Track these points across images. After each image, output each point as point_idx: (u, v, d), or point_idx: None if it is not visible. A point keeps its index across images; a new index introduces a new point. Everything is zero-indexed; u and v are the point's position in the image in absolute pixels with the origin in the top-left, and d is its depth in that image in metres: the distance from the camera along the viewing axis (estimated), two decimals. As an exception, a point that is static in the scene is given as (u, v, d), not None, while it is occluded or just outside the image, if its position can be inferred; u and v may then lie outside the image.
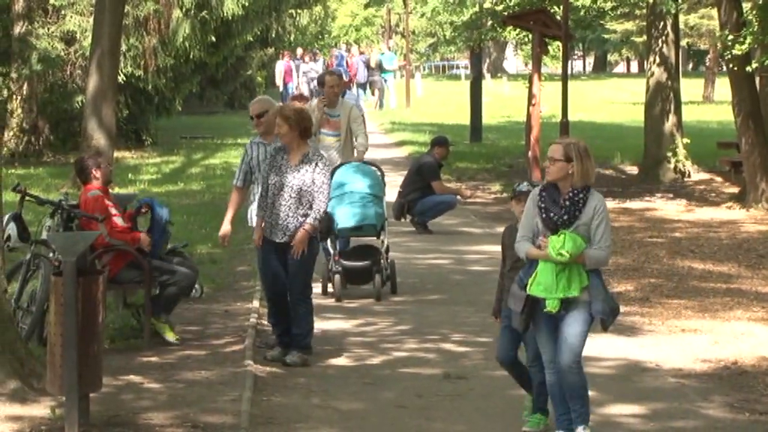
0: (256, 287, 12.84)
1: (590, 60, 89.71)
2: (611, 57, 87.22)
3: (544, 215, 7.75)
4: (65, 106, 26.72)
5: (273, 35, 42.98)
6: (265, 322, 11.28)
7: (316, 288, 11.89)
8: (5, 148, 25.39)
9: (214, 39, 28.97)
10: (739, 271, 14.66)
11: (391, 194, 16.27)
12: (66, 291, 7.79)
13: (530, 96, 21.95)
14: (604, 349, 10.47)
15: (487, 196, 22.26)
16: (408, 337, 11.29)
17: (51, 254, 10.47)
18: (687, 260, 15.39)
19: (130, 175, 23.49)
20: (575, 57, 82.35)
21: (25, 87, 26.38)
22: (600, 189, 21.31)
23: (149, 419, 8.41)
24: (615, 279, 13.96)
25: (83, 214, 10.64)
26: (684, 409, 8.96)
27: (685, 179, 23.45)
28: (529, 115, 21.98)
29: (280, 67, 44.86)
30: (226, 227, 11.16)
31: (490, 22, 28.26)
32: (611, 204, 20.50)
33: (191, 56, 28.39)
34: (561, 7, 22.23)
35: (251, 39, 35.41)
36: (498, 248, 8.60)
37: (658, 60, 23.35)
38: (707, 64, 52.03)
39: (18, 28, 25.80)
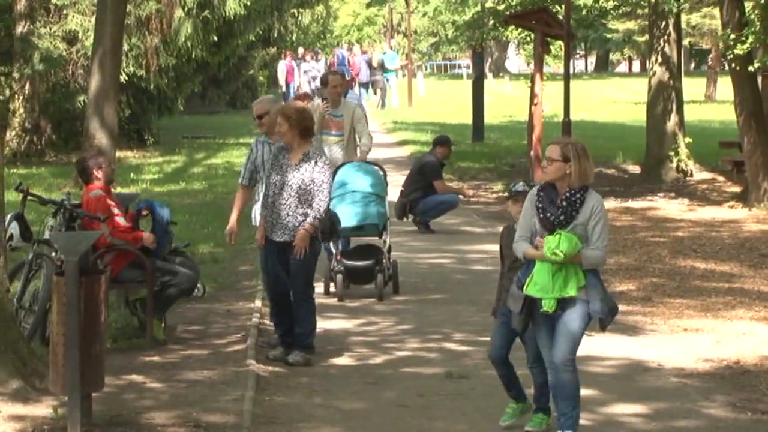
0: (258, 287, 12.85)
1: (592, 59, 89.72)
2: (613, 56, 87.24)
3: (541, 215, 7.75)
4: (67, 105, 26.70)
5: (275, 35, 42.94)
6: (268, 322, 11.30)
7: (318, 287, 11.89)
8: (7, 148, 25.36)
9: (216, 38, 28.93)
10: (741, 271, 14.65)
11: (393, 194, 16.26)
12: (68, 291, 7.79)
13: (532, 95, 21.93)
14: (606, 348, 10.48)
15: (489, 196, 22.24)
16: (410, 336, 11.29)
17: (53, 254, 10.47)
18: (689, 260, 15.38)
19: (132, 174, 23.48)
20: (577, 56, 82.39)
21: (27, 87, 26.38)
22: (602, 188, 21.30)
23: (151, 419, 8.41)
24: (617, 278, 13.96)
25: (85, 214, 10.65)
26: (686, 408, 8.96)
27: (687, 179, 23.42)
28: (531, 115, 21.96)
29: (282, 66, 44.82)
30: (232, 224, 11.15)
31: (492, 22, 28.22)
32: (613, 203, 20.49)
33: (193, 56, 28.35)
34: (563, 7, 22.22)
35: (253, 38, 35.36)
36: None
37: (660, 59, 23.33)
38: (709, 63, 52.03)
39: (20, 28, 25.79)
